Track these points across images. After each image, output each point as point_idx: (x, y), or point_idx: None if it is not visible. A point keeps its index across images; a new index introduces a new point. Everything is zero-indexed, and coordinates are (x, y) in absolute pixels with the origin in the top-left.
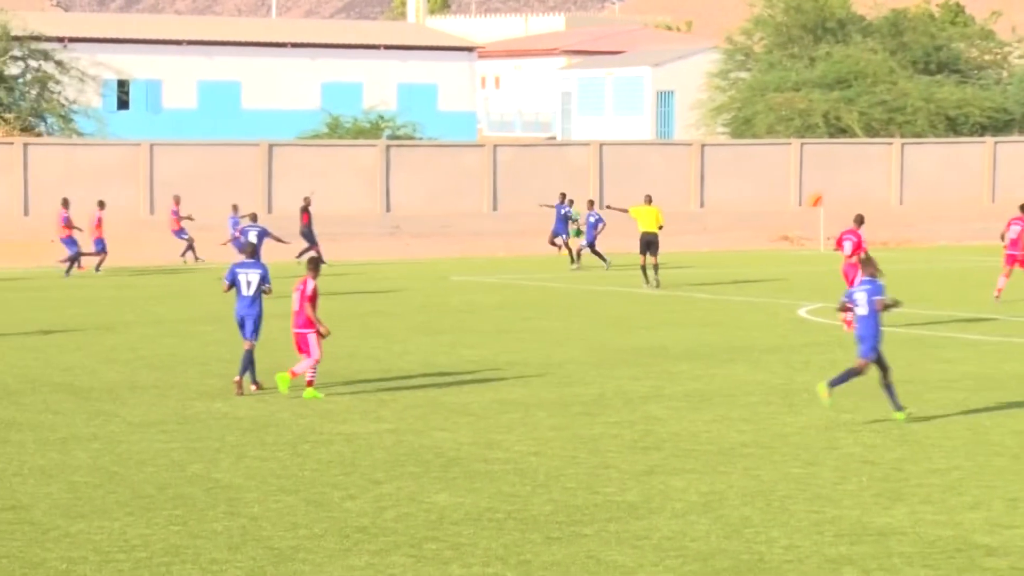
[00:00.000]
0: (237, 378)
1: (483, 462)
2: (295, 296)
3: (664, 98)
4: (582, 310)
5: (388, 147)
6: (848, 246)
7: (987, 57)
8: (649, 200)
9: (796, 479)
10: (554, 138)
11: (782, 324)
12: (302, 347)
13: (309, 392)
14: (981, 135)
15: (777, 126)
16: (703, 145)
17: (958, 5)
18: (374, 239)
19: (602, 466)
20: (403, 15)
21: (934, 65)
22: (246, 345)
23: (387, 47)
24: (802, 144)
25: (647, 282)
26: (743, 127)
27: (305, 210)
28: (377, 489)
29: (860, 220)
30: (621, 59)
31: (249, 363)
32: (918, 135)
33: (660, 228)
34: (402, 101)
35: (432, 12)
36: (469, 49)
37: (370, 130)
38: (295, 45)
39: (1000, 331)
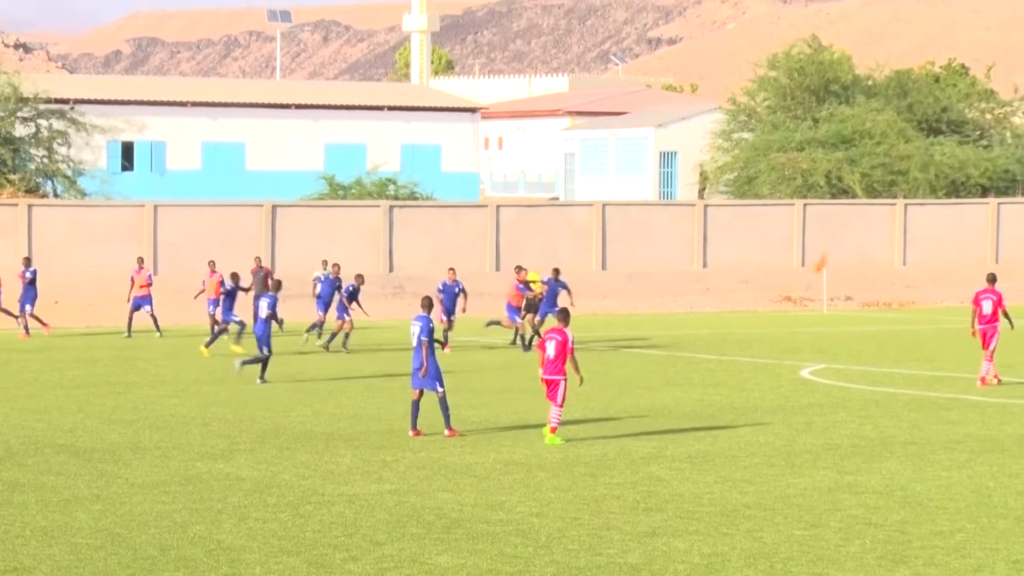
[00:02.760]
0: (411, 431)
1: (485, 523)
2: (551, 345)
3: (667, 158)
4: (585, 370)
5: (391, 207)
6: (988, 305)
7: (989, 117)
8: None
9: (799, 541)
10: (557, 198)
11: (785, 385)
12: (551, 395)
13: (551, 439)
14: (983, 196)
15: (779, 186)
16: (706, 205)
17: (962, 66)
18: (378, 299)
19: (604, 527)
20: (407, 76)
21: (940, 126)
22: (414, 395)
23: (391, 108)
24: (805, 205)
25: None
26: (745, 187)
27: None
28: (379, 551)
29: (993, 278)
30: (624, 120)
31: (444, 409)
32: (919, 196)
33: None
34: (406, 162)
35: (436, 73)
36: (473, 110)
37: (374, 191)
38: (299, 106)
39: (1002, 393)
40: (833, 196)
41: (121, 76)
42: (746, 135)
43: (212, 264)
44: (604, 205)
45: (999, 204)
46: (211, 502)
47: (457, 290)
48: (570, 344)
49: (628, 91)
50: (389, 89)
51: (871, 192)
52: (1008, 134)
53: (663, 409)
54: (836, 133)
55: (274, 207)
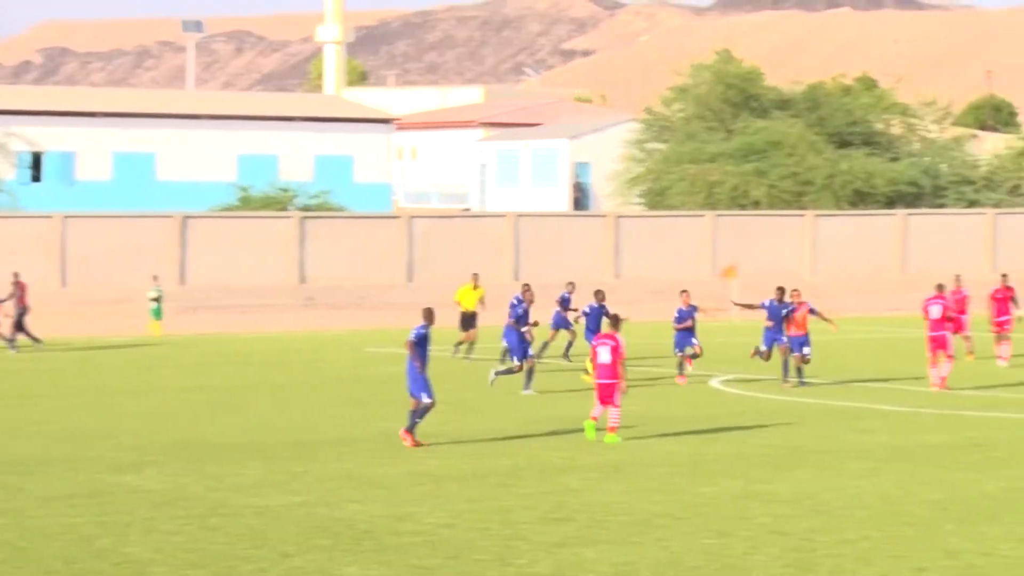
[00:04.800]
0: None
1: (395, 534)
2: (603, 350)
3: (581, 170)
4: (497, 382)
5: (303, 219)
6: (936, 311)
7: (898, 130)
8: (476, 279)
9: (707, 550)
10: (470, 210)
11: (695, 395)
12: (607, 398)
13: (611, 438)
14: (891, 207)
15: (691, 197)
16: (619, 217)
17: (872, 80)
18: (289, 310)
19: (515, 538)
20: (320, 87)
21: (850, 138)
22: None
23: (304, 119)
24: (716, 216)
25: (456, 353)
26: (658, 198)
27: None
28: (287, 562)
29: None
30: (538, 131)
31: (417, 415)
32: (828, 207)
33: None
34: (319, 173)
35: (350, 84)
36: (386, 121)
37: (284, 202)
38: (211, 117)
39: (911, 402)
40: (741, 207)
41: (30, 86)
42: (660, 146)
43: (16, 275)
44: (518, 216)
45: (907, 215)
46: (118, 515)
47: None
48: (622, 349)
49: (542, 102)
50: (302, 100)
51: (778, 204)
52: (916, 146)
53: (574, 419)
54: (748, 145)
55: (185, 218)
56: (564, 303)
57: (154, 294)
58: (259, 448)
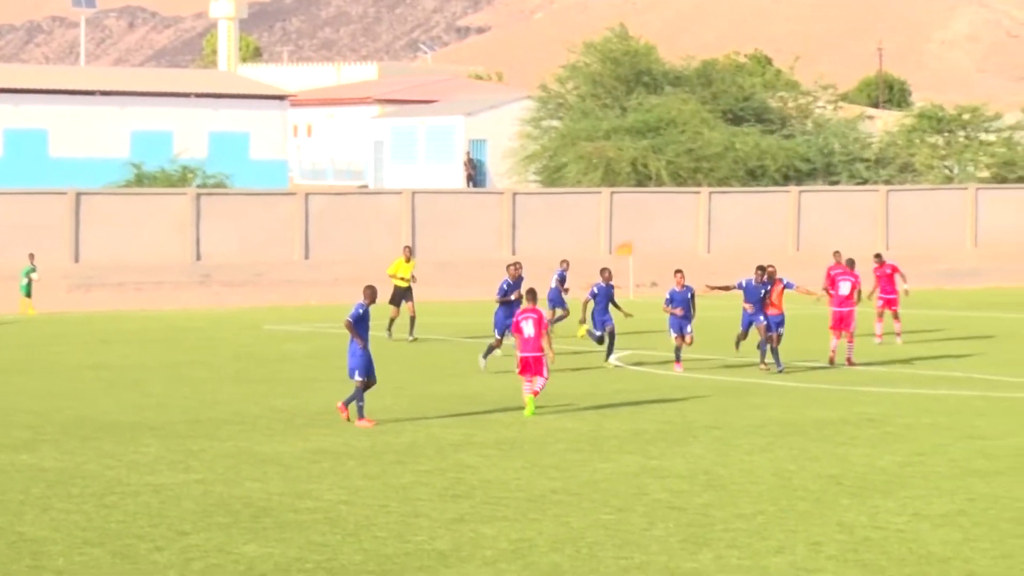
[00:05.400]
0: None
1: (293, 512)
2: (528, 324)
3: (477, 147)
4: (396, 359)
5: (198, 195)
6: (846, 287)
7: (791, 107)
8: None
9: (605, 525)
10: (366, 186)
11: (592, 371)
12: (535, 369)
13: (530, 400)
14: (784, 184)
15: (587, 174)
16: (514, 194)
17: (766, 57)
18: (184, 288)
19: (413, 514)
20: (214, 64)
21: (743, 115)
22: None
23: (198, 95)
24: (612, 193)
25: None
26: (554, 175)
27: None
28: (184, 540)
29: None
30: (434, 108)
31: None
32: (721, 183)
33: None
34: (213, 149)
35: (244, 61)
36: (281, 97)
37: (179, 179)
38: (104, 93)
39: (804, 378)
40: (639, 184)
41: None
42: (555, 123)
43: None
44: (414, 193)
45: (800, 192)
46: (13, 493)
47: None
48: (545, 322)
49: (437, 79)
50: (196, 76)
51: (676, 180)
52: (809, 123)
53: (472, 396)
54: (643, 122)
55: (79, 195)
56: (561, 280)
57: (28, 271)
58: (156, 426)
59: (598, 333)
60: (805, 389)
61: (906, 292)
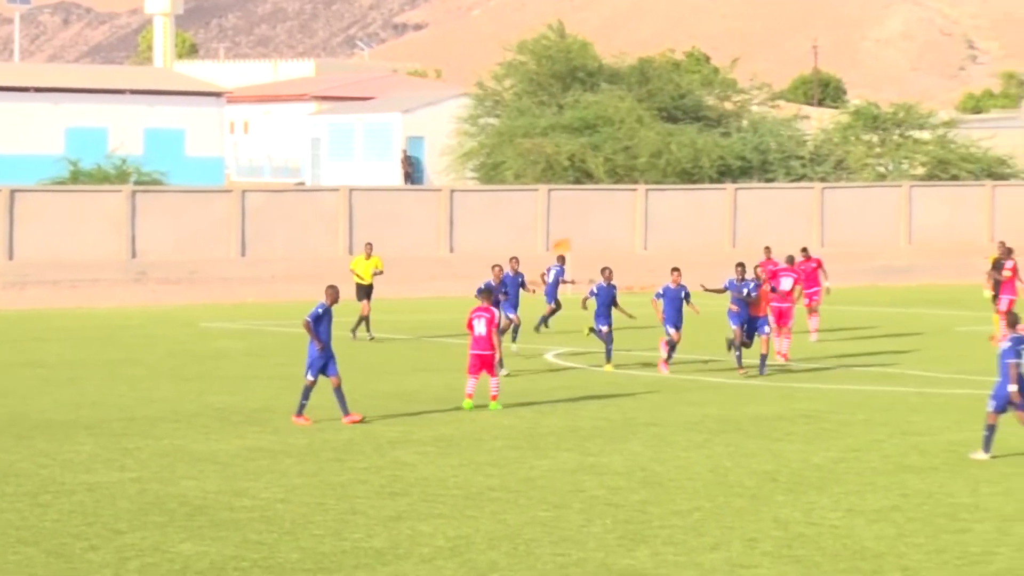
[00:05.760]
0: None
1: (229, 510)
2: (480, 323)
3: (414, 144)
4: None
5: (134, 193)
6: (787, 283)
7: (728, 105)
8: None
9: (542, 522)
10: (304, 184)
11: (534, 368)
12: (486, 368)
13: (495, 405)
14: (720, 182)
15: (525, 171)
16: (452, 191)
17: (704, 55)
18: (120, 286)
19: (350, 512)
20: (150, 60)
21: (679, 113)
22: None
23: (133, 92)
24: (549, 190)
25: (359, 331)
26: (492, 173)
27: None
28: (120, 539)
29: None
30: (371, 105)
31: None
32: (657, 181)
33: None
34: (149, 146)
35: (180, 57)
36: (217, 94)
37: (115, 176)
38: (38, 90)
39: (740, 375)
40: (577, 181)
41: None
42: (492, 120)
43: None
44: (351, 190)
45: (736, 190)
46: None
47: (520, 281)
48: (496, 321)
49: (375, 76)
50: (132, 73)
51: (613, 177)
52: (745, 121)
53: (410, 393)
54: (580, 119)
55: (13, 192)
56: (559, 275)
57: None
58: (91, 424)
59: (604, 328)
60: (742, 386)
61: (827, 290)
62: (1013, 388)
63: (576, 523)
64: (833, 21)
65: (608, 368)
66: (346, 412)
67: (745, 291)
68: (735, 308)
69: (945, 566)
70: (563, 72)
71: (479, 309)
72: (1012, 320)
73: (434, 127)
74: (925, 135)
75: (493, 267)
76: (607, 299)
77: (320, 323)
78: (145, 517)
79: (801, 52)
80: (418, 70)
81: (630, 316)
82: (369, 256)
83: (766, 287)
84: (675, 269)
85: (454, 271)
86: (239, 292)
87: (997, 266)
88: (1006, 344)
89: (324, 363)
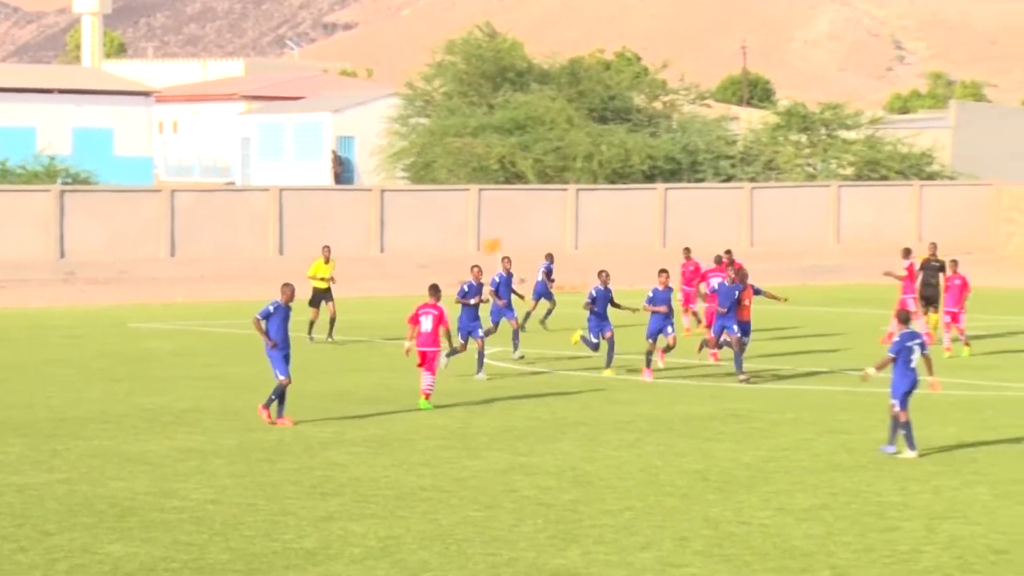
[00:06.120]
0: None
1: (159, 511)
2: (426, 319)
3: (344, 144)
4: (262, 356)
5: (62, 192)
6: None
7: (658, 105)
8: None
9: (474, 522)
10: (233, 183)
11: (462, 369)
12: (429, 364)
13: (424, 404)
14: (650, 182)
15: (455, 171)
16: (383, 191)
17: (635, 55)
18: (48, 286)
19: (281, 513)
20: (78, 59)
21: (609, 113)
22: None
23: (61, 91)
24: (480, 190)
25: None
26: (423, 172)
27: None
28: (48, 541)
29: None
30: (301, 104)
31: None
32: (588, 182)
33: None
34: (77, 146)
35: (108, 56)
36: (146, 94)
37: (43, 176)
38: None
39: (672, 374)
40: (507, 181)
41: None
42: (423, 120)
43: None
44: (281, 190)
45: (666, 190)
46: None
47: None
48: (444, 318)
49: (305, 76)
50: (60, 72)
51: (543, 177)
52: (675, 121)
53: (341, 393)
54: (510, 119)
55: None
56: (548, 273)
57: None
58: (19, 425)
59: (594, 340)
60: (673, 385)
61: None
62: (871, 370)
63: (507, 523)
64: (761, 22)
65: (608, 373)
66: (280, 414)
67: (737, 294)
68: (723, 310)
69: (873, 564)
70: (493, 72)
71: (426, 305)
72: (903, 317)
73: (364, 127)
74: (853, 135)
75: (472, 268)
76: (604, 303)
77: (274, 321)
78: (74, 518)
79: (730, 52)
80: (348, 70)
81: (634, 310)
82: (328, 260)
83: (749, 291)
84: (662, 271)
85: (385, 271)
86: (169, 292)
87: (926, 267)
88: (896, 339)
89: (284, 360)
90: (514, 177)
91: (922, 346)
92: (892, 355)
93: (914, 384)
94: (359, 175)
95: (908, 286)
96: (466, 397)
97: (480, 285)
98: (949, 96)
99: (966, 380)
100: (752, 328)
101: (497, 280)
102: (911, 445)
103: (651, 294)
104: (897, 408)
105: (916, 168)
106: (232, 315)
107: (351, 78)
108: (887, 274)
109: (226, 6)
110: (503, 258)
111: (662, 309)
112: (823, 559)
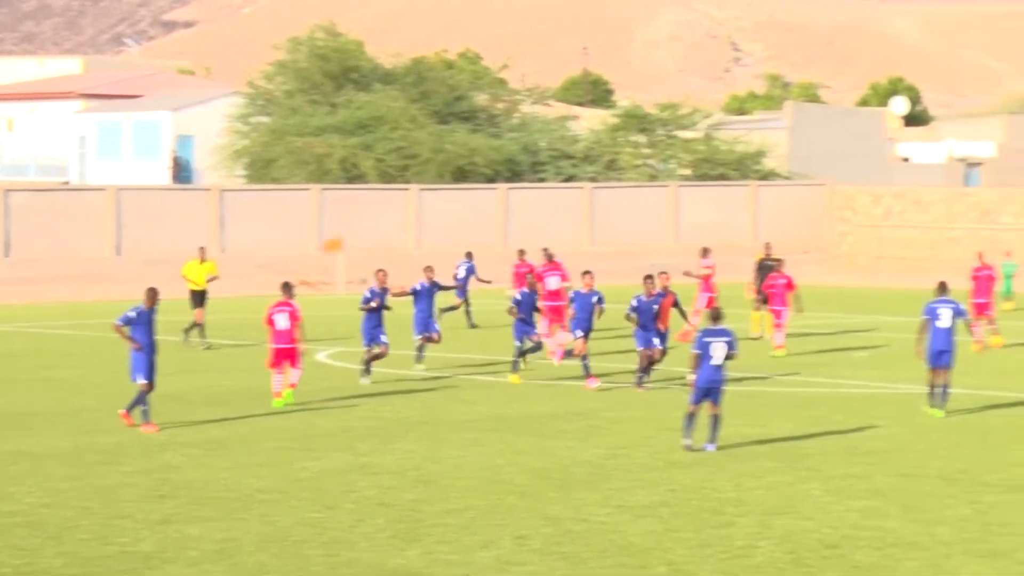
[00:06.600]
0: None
1: None
2: (281, 317)
3: (184, 143)
4: (97, 358)
5: None
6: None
7: (500, 105)
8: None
9: (313, 523)
10: (69, 183)
11: (304, 368)
12: (289, 360)
13: (289, 393)
14: (493, 182)
15: (296, 171)
16: (223, 190)
17: (477, 56)
18: None
19: (117, 516)
20: None
21: (453, 114)
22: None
23: None
24: (322, 189)
25: (187, 338)
26: (263, 172)
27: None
28: None
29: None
30: (139, 103)
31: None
32: (430, 182)
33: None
34: None
35: None
36: None
37: None
38: None
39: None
40: (349, 181)
41: None
42: (264, 119)
43: None
44: (119, 190)
45: (508, 189)
46: None
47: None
48: (298, 315)
49: (143, 74)
50: None
51: (386, 178)
52: (517, 121)
53: (179, 395)
54: (353, 119)
55: None
56: (469, 272)
57: None
58: None
59: (529, 345)
60: (515, 385)
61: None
62: (691, 377)
63: (347, 523)
64: (603, 23)
65: (594, 386)
66: (146, 419)
67: (656, 307)
68: (640, 322)
69: (709, 560)
70: (336, 72)
71: (280, 304)
72: (715, 315)
73: (205, 126)
74: (691, 135)
75: (425, 268)
76: (530, 307)
77: (137, 325)
78: None
79: (572, 53)
80: (187, 68)
81: (633, 319)
82: (203, 261)
83: (669, 301)
84: (648, 277)
85: (225, 271)
86: (2, 293)
87: (762, 268)
88: (697, 335)
89: (148, 365)
90: (356, 177)
91: (730, 345)
92: (698, 351)
93: (711, 380)
94: (199, 174)
95: (706, 285)
96: (306, 398)
97: (384, 291)
98: (785, 97)
99: (801, 377)
100: (594, 328)
101: (419, 288)
102: (687, 434)
103: (635, 302)
104: (690, 401)
105: (752, 167)
106: (67, 317)
107: (190, 76)
108: (687, 274)
109: (63, 3)
110: (426, 268)
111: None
112: (660, 555)
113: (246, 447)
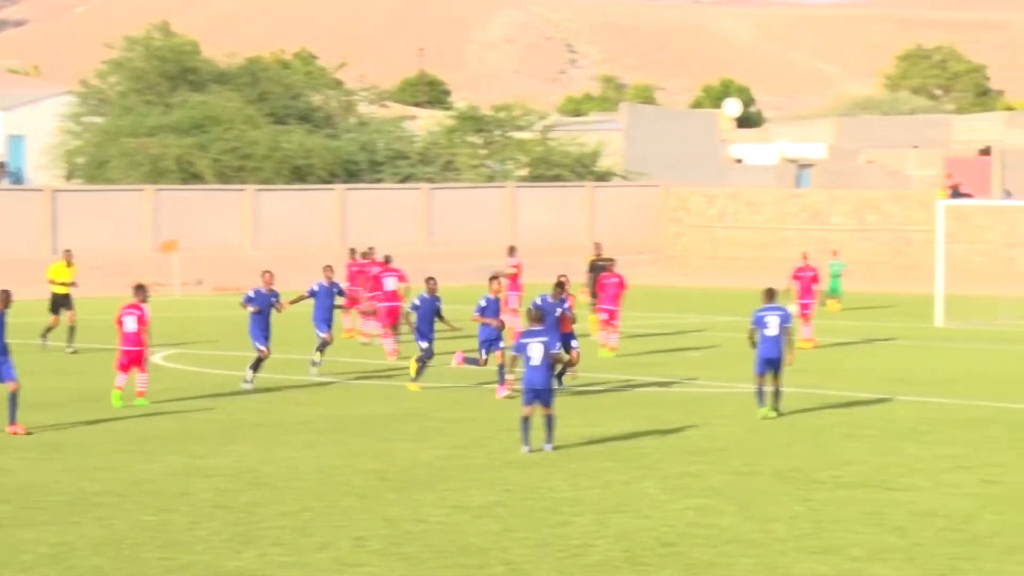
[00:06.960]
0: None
1: None
2: (130, 320)
3: (14, 143)
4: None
5: None
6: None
7: (336, 105)
8: (68, 256)
9: (148, 527)
10: None
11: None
12: (135, 364)
13: (141, 401)
14: (330, 182)
15: (130, 171)
16: (55, 191)
17: (312, 56)
18: None
19: None
20: None
21: (289, 114)
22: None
23: None
24: (157, 190)
25: (45, 341)
26: (97, 172)
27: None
28: None
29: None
30: None
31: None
32: (267, 182)
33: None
34: None
35: None
36: None
37: None
38: None
39: (351, 375)
40: (184, 181)
41: None
42: (97, 119)
43: None
44: None
45: (345, 190)
46: None
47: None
48: (147, 318)
49: None
50: None
51: (222, 178)
52: (353, 122)
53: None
54: (188, 119)
55: None
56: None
57: None
58: None
59: (424, 345)
60: (350, 386)
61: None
62: (510, 376)
63: (183, 526)
64: (439, 24)
65: (413, 387)
66: (12, 420)
67: (559, 311)
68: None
69: (546, 559)
70: (172, 72)
71: (129, 306)
72: (532, 315)
73: (35, 126)
74: (527, 136)
75: (324, 268)
76: (430, 312)
77: None
78: None
79: (408, 54)
80: (17, 68)
81: (455, 328)
82: (70, 264)
83: (571, 302)
84: (494, 277)
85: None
86: None
87: (594, 268)
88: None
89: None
90: (192, 177)
91: (547, 344)
92: (516, 354)
93: (533, 382)
94: (29, 175)
95: (513, 284)
96: (148, 398)
97: (272, 292)
98: (620, 99)
99: (635, 377)
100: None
101: (316, 288)
102: (525, 440)
103: (483, 303)
104: (522, 404)
105: (587, 166)
106: None
107: (19, 75)
108: (497, 274)
109: None
110: (325, 267)
111: (492, 322)
112: (498, 555)
113: (81, 450)
